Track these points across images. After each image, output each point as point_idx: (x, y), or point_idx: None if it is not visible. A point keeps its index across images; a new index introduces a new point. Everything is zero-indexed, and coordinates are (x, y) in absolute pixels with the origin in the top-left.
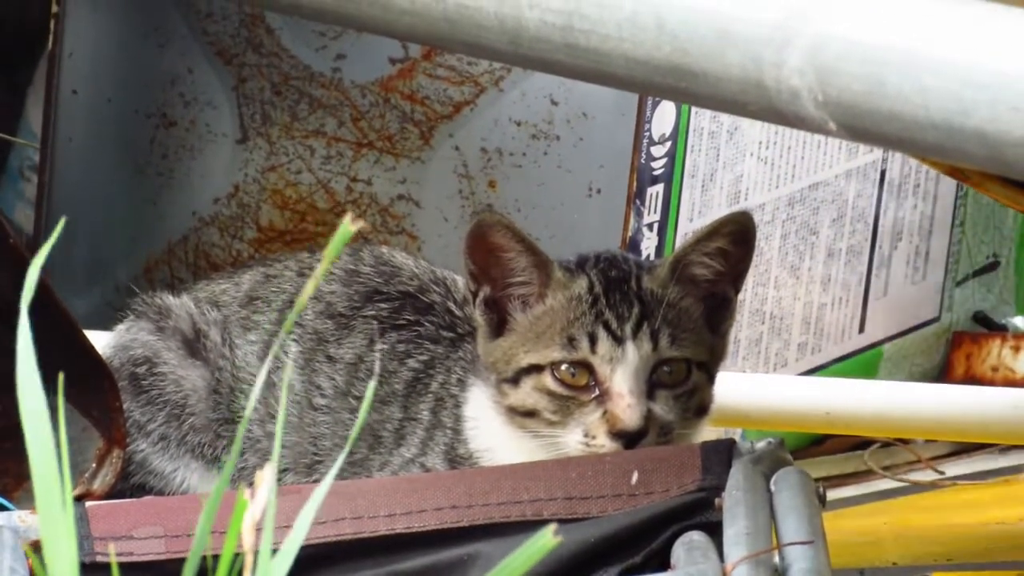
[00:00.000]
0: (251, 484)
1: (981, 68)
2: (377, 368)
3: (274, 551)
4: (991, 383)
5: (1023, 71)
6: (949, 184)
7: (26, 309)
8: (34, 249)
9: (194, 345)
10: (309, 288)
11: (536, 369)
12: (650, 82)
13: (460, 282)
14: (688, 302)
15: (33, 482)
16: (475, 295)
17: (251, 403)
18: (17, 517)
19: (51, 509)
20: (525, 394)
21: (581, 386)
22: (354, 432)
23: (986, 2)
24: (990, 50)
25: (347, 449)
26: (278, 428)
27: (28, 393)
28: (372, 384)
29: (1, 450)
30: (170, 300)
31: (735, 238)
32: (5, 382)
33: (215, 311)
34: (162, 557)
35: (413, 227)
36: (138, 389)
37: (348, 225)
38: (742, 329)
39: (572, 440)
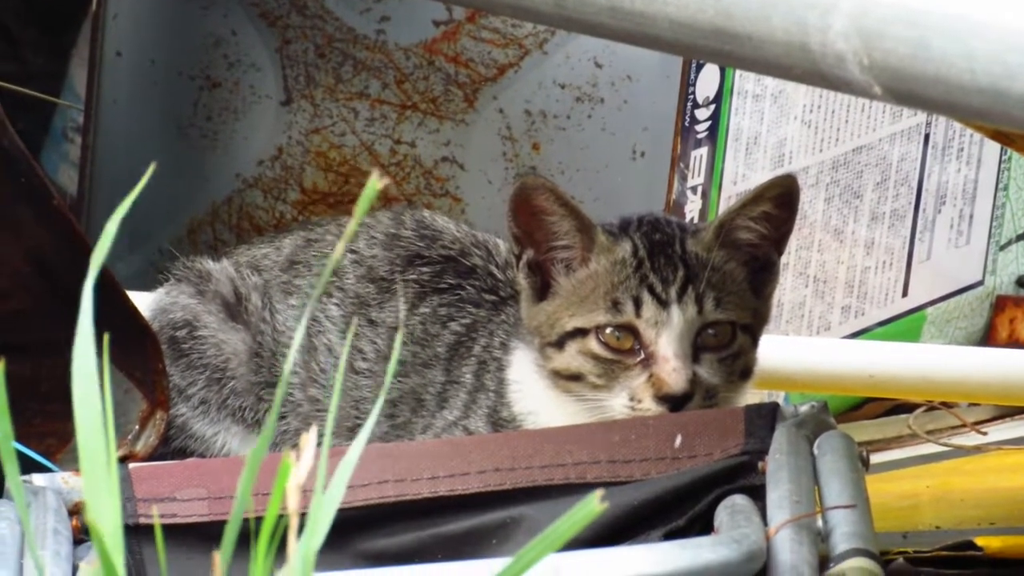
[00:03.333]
0: (294, 447)
1: None
2: (402, 330)
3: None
4: None
5: None
6: (993, 148)
7: (91, 288)
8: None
9: (235, 309)
10: (340, 248)
11: (581, 333)
12: (694, 45)
13: (502, 246)
14: (732, 265)
15: (78, 443)
16: (519, 258)
17: (288, 366)
18: (61, 479)
19: (96, 471)
20: (570, 358)
21: (626, 350)
22: (382, 393)
23: None
24: None
25: (376, 409)
26: (335, 392)
27: (82, 356)
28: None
29: (45, 412)
30: (210, 264)
31: (779, 202)
32: (50, 345)
33: (256, 276)
34: (205, 519)
35: (457, 189)
36: (178, 353)
37: (375, 182)
38: (786, 292)
39: (617, 404)
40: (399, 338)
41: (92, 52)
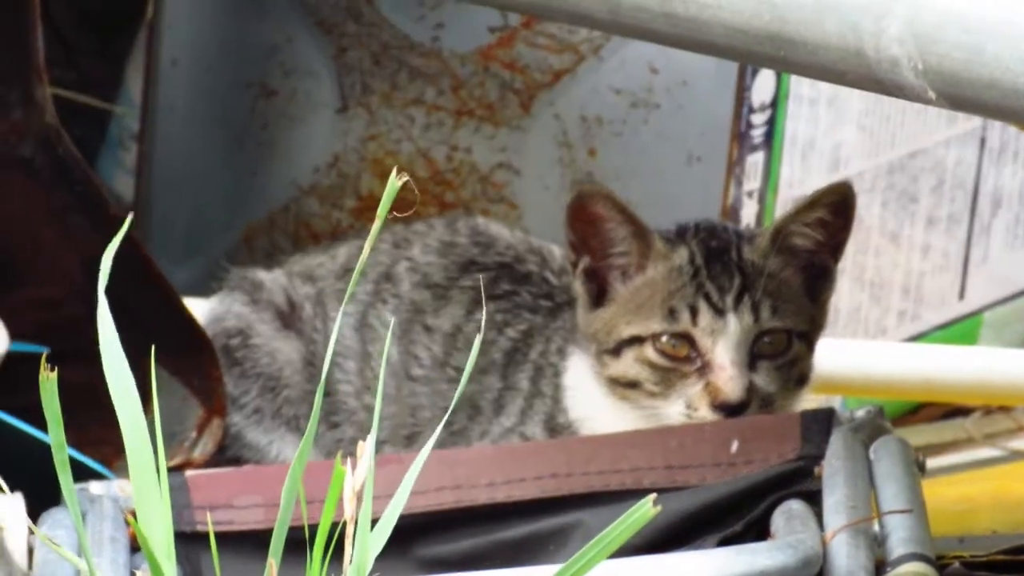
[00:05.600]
0: (350, 455)
1: None
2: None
3: (374, 521)
4: None
5: None
6: None
7: (103, 287)
8: (134, 218)
9: (288, 318)
10: (366, 249)
11: (637, 340)
12: (749, 51)
13: (556, 252)
14: (788, 272)
15: (126, 451)
16: (575, 265)
17: (325, 366)
18: (117, 487)
19: (144, 479)
20: (626, 365)
21: (682, 357)
22: (452, 403)
23: None
24: None
25: (445, 419)
26: (378, 398)
27: (113, 368)
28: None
29: (102, 420)
30: (262, 274)
31: (835, 209)
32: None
33: (308, 285)
34: (261, 526)
35: (513, 195)
36: (232, 361)
37: (395, 180)
38: (842, 297)
39: (673, 412)
40: (476, 346)
41: (148, 59)
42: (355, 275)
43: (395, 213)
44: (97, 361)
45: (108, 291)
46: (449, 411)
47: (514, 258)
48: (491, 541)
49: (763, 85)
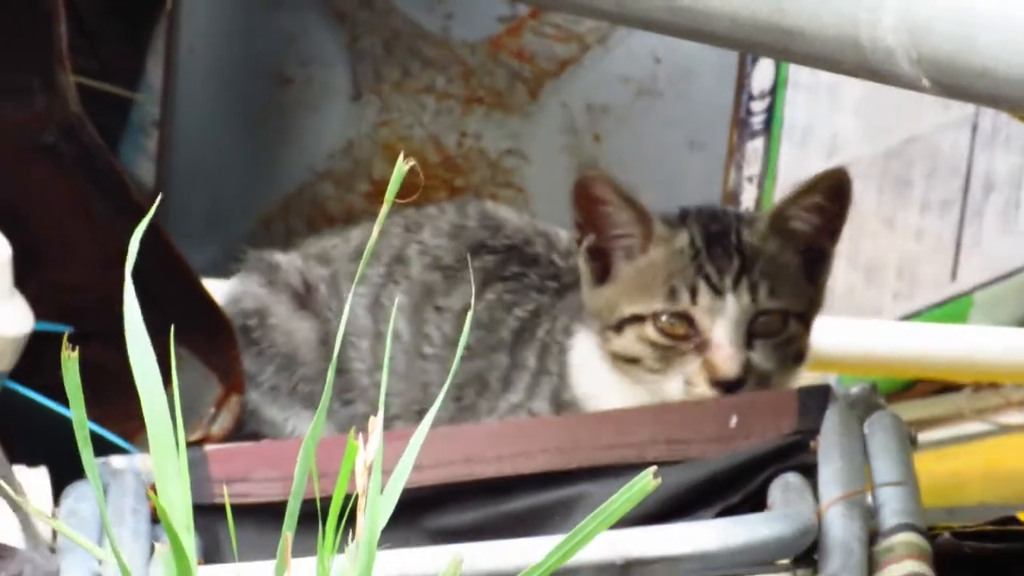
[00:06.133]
0: (363, 430)
1: None
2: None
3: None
4: None
5: None
6: None
7: (130, 269)
8: (156, 201)
9: (303, 299)
10: (375, 232)
11: (638, 319)
12: (748, 40)
13: (563, 235)
14: (786, 255)
15: (147, 426)
16: (580, 243)
17: (337, 345)
18: (139, 460)
19: (164, 453)
20: (628, 342)
21: (682, 336)
22: (449, 377)
23: None
24: None
25: (443, 393)
26: (384, 375)
27: (136, 347)
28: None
29: (127, 396)
30: (279, 257)
31: (832, 194)
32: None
33: (323, 267)
34: (278, 499)
35: (521, 180)
36: (249, 341)
37: (402, 164)
38: (838, 278)
39: (672, 387)
40: (468, 323)
41: (168, 48)
42: (365, 257)
43: (404, 198)
44: (119, 341)
45: (131, 273)
46: (444, 388)
47: (522, 241)
48: (498, 512)
49: (762, 74)
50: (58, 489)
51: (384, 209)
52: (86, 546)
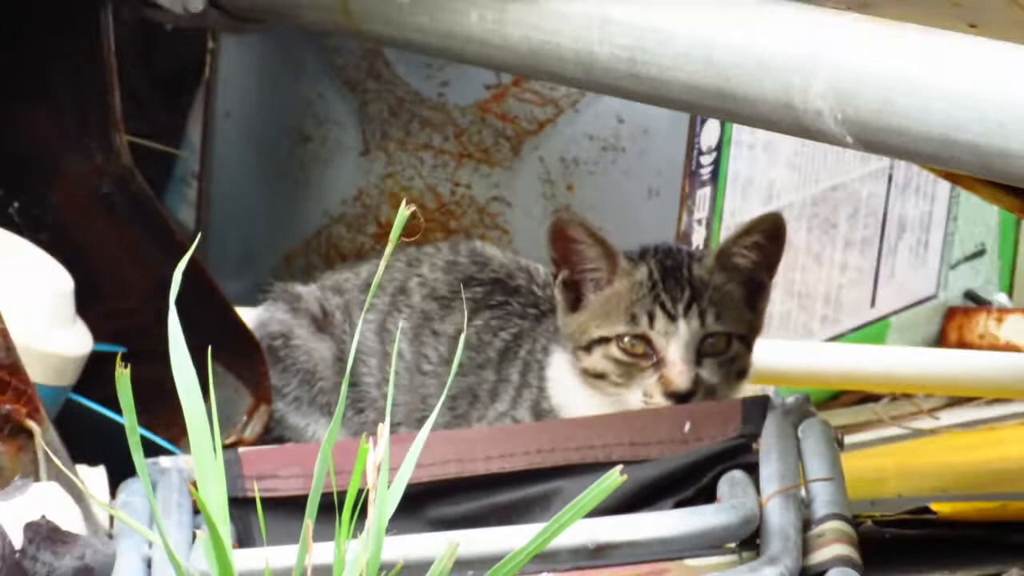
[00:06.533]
0: (372, 435)
1: (973, 92)
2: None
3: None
4: (979, 348)
5: (1007, 95)
6: (945, 185)
7: (174, 299)
8: (196, 242)
9: (321, 323)
10: (381, 266)
11: (605, 340)
12: (699, 104)
13: (541, 269)
14: (730, 286)
15: (188, 432)
16: (556, 276)
17: (349, 363)
18: (183, 460)
19: (203, 455)
20: (596, 360)
21: (641, 354)
22: (445, 390)
23: (976, 37)
24: (979, 77)
25: (440, 403)
26: (390, 388)
27: (179, 364)
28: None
29: (172, 407)
30: (300, 288)
31: (768, 234)
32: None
33: (337, 296)
34: (301, 492)
35: (505, 223)
36: (275, 359)
37: (404, 211)
38: (775, 305)
39: (633, 398)
40: (460, 345)
41: (205, 112)
42: (373, 289)
43: (407, 238)
44: (164, 359)
45: (178, 304)
46: (441, 400)
47: (506, 275)
48: (487, 504)
49: (710, 132)
50: (114, 485)
51: (389, 248)
52: (139, 530)
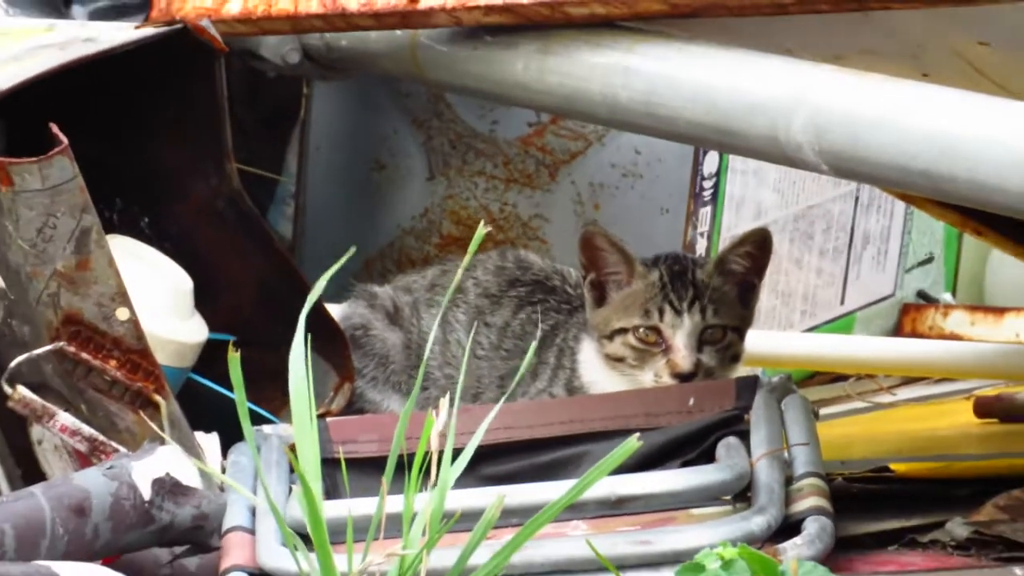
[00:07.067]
0: (435, 407)
1: (925, 129)
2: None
3: (455, 451)
4: (928, 337)
5: (952, 131)
6: (901, 205)
7: (306, 312)
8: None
9: (393, 317)
10: (457, 275)
11: (623, 331)
12: (702, 138)
13: (573, 273)
14: (727, 287)
15: (291, 404)
16: (585, 278)
17: (426, 353)
18: (281, 428)
19: (301, 423)
20: (616, 347)
21: (652, 342)
22: (518, 376)
23: (929, 84)
24: (930, 117)
25: (513, 386)
26: (463, 370)
27: (296, 352)
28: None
29: (273, 384)
30: (376, 288)
31: (757, 245)
32: (272, 340)
33: (407, 295)
34: (376, 454)
35: (544, 235)
36: (356, 346)
37: (482, 230)
38: (763, 302)
39: (646, 378)
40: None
41: (301, 144)
42: (450, 292)
43: (463, 248)
44: (266, 345)
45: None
46: (515, 380)
47: (544, 277)
48: (530, 464)
49: (711, 161)
50: (225, 448)
51: (467, 258)
52: (243, 493)
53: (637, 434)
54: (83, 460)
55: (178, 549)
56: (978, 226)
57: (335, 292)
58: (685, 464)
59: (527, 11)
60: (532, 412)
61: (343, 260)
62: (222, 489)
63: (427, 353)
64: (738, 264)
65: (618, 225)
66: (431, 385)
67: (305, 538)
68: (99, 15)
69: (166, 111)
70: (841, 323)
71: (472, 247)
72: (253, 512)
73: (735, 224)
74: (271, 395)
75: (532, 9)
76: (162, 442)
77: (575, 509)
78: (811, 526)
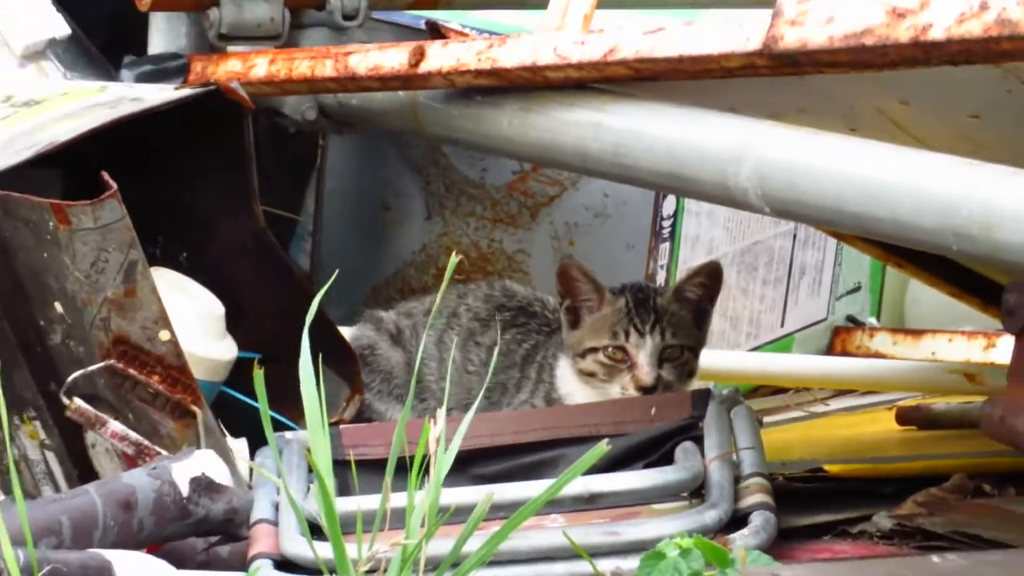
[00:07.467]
0: (432, 417)
1: (852, 176)
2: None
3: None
4: (856, 355)
5: (875, 178)
6: (832, 241)
7: (308, 326)
8: (311, 280)
9: (396, 338)
10: (438, 299)
11: (594, 350)
12: (661, 184)
13: (551, 300)
14: (683, 312)
15: (306, 413)
16: (561, 304)
17: (416, 366)
18: (301, 434)
19: (316, 430)
20: (588, 363)
21: (619, 360)
22: (483, 385)
23: (856, 138)
24: (857, 166)
25: (480, 395)
26: (448, 383)
27: (304, 367)
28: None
29: (292, 395)
30: (382, 313)
31: (710, 276)
32: (294, 356)
33: (407, 319)
34: (383, 457)
35: (526, 268)
36: (364, 363)
37: (455, 259)
38: (714, 325)
39: (614, 391)
40: (495, 356)
41: (317, 189)
42: (433, 312)
43: (458, 278)
44: (287, 361)
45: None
46: (482, 389)
47: (527, 303)
48: (514, 465)
49: (669, 204)
50: (252, 451)
51: (443, 285)
52: (272, 479)
53: (606, 439)
54: (130, 462)
55: (212, 539)
56: (899, 260)
57: (346, 316)
58: (648, 465)
59: (511, 75)
60: (516, 420)
61: (329, 282)
62: (250, 487)
63: (419, 368)
64: (693, 292)
65: (590, 259)
66: (429, 397)
67: (321, 529)
68: (144, 78)
69: (202, 161)
70: (781, 343)
71: (447, 275)
72: (276, 507)
73: (690, 258)
74: (292, 405)
75: (515, 73)
76: (198, 446)
77: (553, 504)
78: (757, 519)
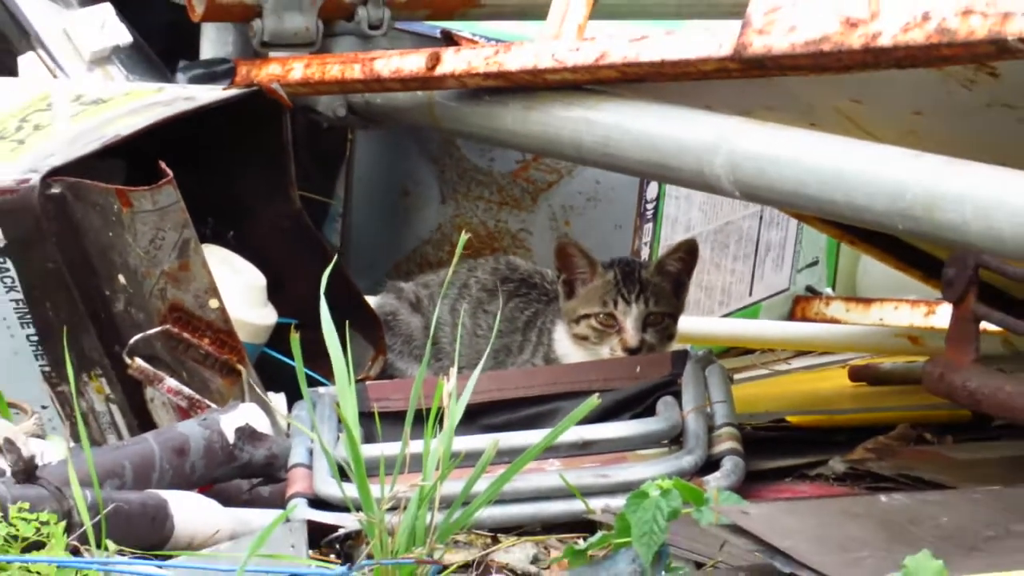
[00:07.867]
0: (446, 374)
1: (812, 164)
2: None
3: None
4: (814, 321)
5: (831, 166)
6: (794, 221)
7: (323, 289)
8: (341, 256)
9: (415, 306)
10: (450, 272)
11: (587, 316)
12: (645, 171)
13: (550, 273)
14: (664, 284)
15: (335, 371)
16: (559, 277)
17: (431, 331)
18: (332, 389)
19: (343, 385)
20: (582, 328)
21: (608, 325)
22: (489, 347)
23: (816, 132)
24: (816, 155)
25: (486, 356)
26: (456, 345)
27: (329, 331)
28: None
29: (325, 356)
30: (403, 284)
31: (688, 252)
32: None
33: (425, 289)
34: (404, 409)
35: (528, 245)
36: (387, 327)
37: (464, 238)
38: (691, 294)
39: (604, 352)
40: (497, 320)
41: (347, 176)
42: (444, 286)
43: (468, 254)
44: (320, 326)
45: (329, 292)
46: (487, 350)
47: (528, 276)
48: (517, 416)
49: (652, 189)
50: (290, 404)
51: (455, 260)
52: (306, 431)
53: (597, 394)
54: (183, 413)
55: (255, 480)
56: (852, 238)
57: (372, 287)
58: (633, 417)
59: (515, 77)
60: (518, 377)
61: (331, 265)
62: (288, 435)
63: (434, 332)
64: (673, 266)
65: (583, 237)
66: (444, 357)
67: (348, 472)
68: (196, 80)
69: (246, 153)
70: (749, 311)
71: (458, 251)
72: (310, 453)
73: (671, 236)
74: (324, 364)
75: (518, 76)
76: (243, 400)
77: (551, 450)
78: (727, 463)
